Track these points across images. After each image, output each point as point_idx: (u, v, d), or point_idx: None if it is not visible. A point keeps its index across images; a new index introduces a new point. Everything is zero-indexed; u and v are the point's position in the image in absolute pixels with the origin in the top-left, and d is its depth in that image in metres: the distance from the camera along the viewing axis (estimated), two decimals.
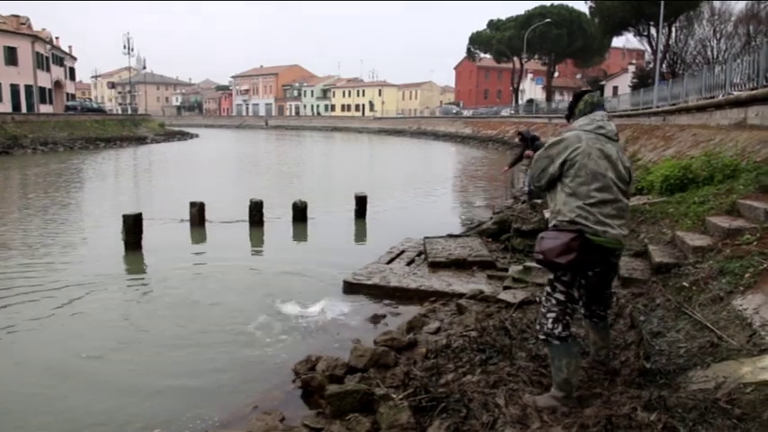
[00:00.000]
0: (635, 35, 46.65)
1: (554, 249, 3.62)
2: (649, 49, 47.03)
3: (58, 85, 63.36)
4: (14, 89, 53.21)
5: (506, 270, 7.86)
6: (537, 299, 5.95)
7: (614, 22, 44.90)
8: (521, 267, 7.25)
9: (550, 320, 3.76)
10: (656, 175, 9.46)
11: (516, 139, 11.96)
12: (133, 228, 10.44)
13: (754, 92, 12.64)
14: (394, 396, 4.12)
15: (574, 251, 3.57)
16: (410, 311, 7.01)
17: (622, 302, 5.58)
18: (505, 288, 6.89)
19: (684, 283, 5.49)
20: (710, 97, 17.43)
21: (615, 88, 60.98)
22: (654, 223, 7.88)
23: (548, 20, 61.63)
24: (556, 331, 3.72)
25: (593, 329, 4.27)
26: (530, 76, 79.24)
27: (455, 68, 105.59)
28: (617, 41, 60.59)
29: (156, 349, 6.22)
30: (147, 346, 6.29)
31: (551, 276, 3.86)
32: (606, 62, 74.55)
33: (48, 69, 59.74)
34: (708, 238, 6.41)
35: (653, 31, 43.09)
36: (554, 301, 3.80)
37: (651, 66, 46.98)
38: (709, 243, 6.16)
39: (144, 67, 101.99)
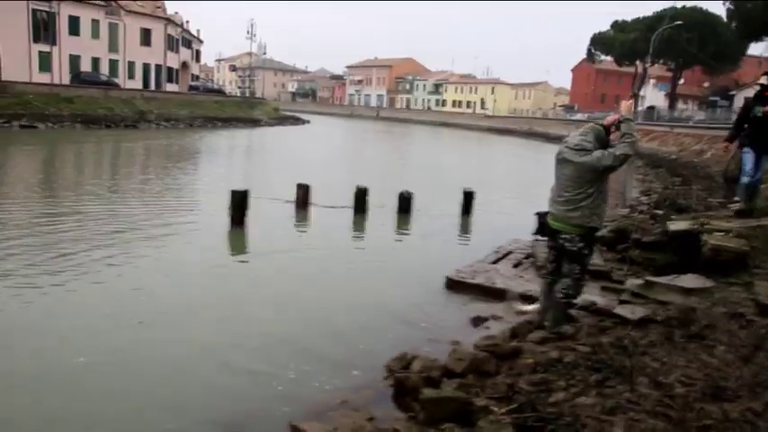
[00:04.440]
0: None
1: None
2: None
3: (184, 65, 66.92)
4: (146, 68, 56.93)
5: (622, 283, 7.22)
6: (659, 318, 5.36)
7: (754, 25, 41.44)
8: (641, 281, 6.60)
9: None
10: None
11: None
12: (240, 204, 10.58)
13: None
14: (495, 409, 3.74)
15: None
16: (515, 317, 6.57)
17: (762, 333, 4.88)
18: (622, 302, 6.29)
19: None
20: None
21: (747, 99, 56.58)
22: None
23: (678, 22, 57.76)
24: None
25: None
26: (652, 81, 75.13)
27: (572, 70, 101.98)
28: (754, 49, 56.16)
29: (250, 332, 6.15)
30: (240, 329, 6.22)
31: None
32: (739, 71, 69.23)
33: (177, 51, 63.29)
34: None
35: None
36: None
37: None
38: None
39: (264, 53, 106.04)
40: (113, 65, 53.03)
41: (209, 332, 6.02)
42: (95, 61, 51.09)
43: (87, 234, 9.85)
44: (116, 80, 50.20)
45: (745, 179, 8.47)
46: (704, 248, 6.96)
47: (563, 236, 5.36)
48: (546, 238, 5.81)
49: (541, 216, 5.70)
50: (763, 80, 8.59)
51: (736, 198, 9.56)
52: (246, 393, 4.80)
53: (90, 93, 41.15)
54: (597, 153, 5.14)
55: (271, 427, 4.28)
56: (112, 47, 52.90)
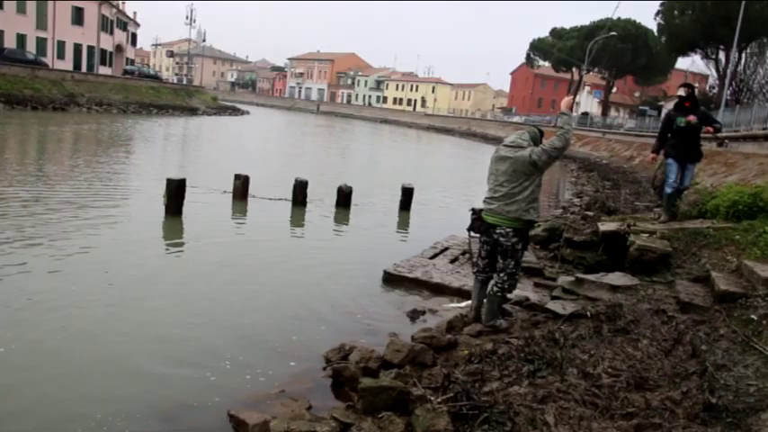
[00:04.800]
0: (702, 58, 45.10)
1: None
2: (715, 74, 45.39)
3: (119, 48, 64.56)
4: (77, 48, 54.45)
5: (554, 279, 7.49)
6: (588, 313, 5.59)
7: (682, 41, 43.43)
8: (572, 278, 6.86)
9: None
10: (721, 200, 8.90)
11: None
12: (176, 193, 10.34)
13: None
14: (432, 399, 3.82)
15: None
16: (451, 310, 6.70)
17: (682, 328, 5.17)
18: (553, 298, 6.52)
19: (753, 316, 5.06)
20: None
21: (669, 112, 59.11)
22: (717, 249, 7.40)
23: (613, 33, 59.90)
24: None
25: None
26: (587, 88, 77.58)
27: (511, 73, 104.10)
28: (681, 63, 58.77)
29: (186, 321, 6.05)
30: (175, 317, 6.11)
31: None
32: (667, 83, 72.35)
33: (111, 32, 60.93)
34: None
35: (722, 55, 41.59)
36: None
37: (715, 91, 45.35)
38: None
39: (203, 41, 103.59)
40: (41, 43, 50.23)
41: (141, 323, 5.86)
42: (21, 38, 48.20)
43: (8, 220, 9.40)
44: (44, 60, 47.69)
45: (668, 189, 8.84)
46: (631, 248, 7.30)
47: (498, 230, 5.53)
48: (479, 235, 5.91)
49: (475, 212, 5.84)
50: (681, 92, 8.98)
51: (655, 209, 10.10)
52: (182, 384, 4.70)
53: (14, 71, 38.71)
54: (530, 149, 5.46)
55: (209, 416, 4.22)
56: (40, 24, 50.10)
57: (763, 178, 12.84)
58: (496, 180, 5.57)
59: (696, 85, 59.61)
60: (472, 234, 6.06)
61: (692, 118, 8.54)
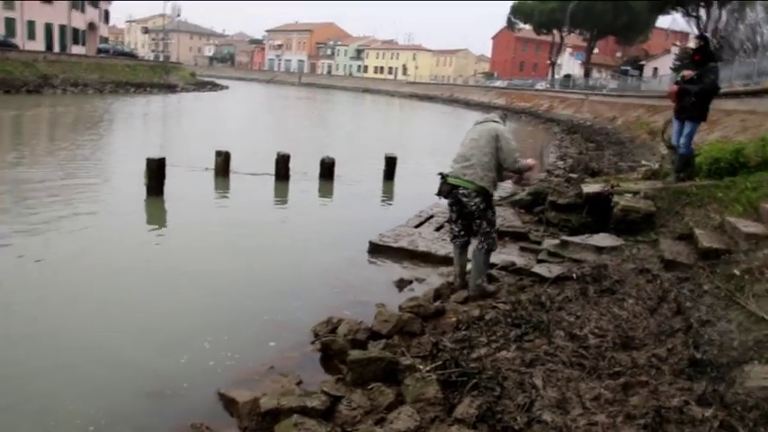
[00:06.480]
0: (683, 15, 44.97)
1: None
2: (696, 31, 45.32)
3: (91, 26, 63.02)
4: (48, 28, 53.03)
5: (540, 243, 7.51)
6: (574, 275, 5.61)
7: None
8: (557, 241, 6.88)
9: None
10: (704, 158, 8.93)
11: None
12: (156, 172, 10.20)
13: None
14: (421, 367, 3.84)
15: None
16: (437, 278, 6.71)
17: (666, 286, 5.20)
18: (539, 261, 6.55)
19: (735, 271, 5.10)
20: (756, 83, 16.68)
21: (655, 69, 59.23)
22: (700, 207, 7.44)
23: None
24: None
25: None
26: (568, 50, 77.25)
27: (493, 38, 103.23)
28: (662, 21, 58.68)
29: (170, 303, 6.01)
30: (159, 299, 6.06)
31: None
32: (648, 42, 72.24)
33: (82, 10, 59.36)
34: (762, 225, 5.98)
35: (702, 12, 41.44)
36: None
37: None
38: (764, 231, 5.74)
39: (178, 15, 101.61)
40: (9, 23, 48.60)
41: (123, 307, 5.79)
42: None
43: None
44: (13, 41, 46.36)
45: (681, 150, 8.51)
46: (615, 209, 7.33)
47: (461, 191, 5.69)
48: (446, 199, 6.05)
49: (442, 176, 5.96)
50: (692, 44, 8.69)
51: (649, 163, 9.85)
52: (170, 367, 4.63)
53: None
54: (502, 126, 5.89)
55: (199, 398, 4.18)
56: (7, 3, 48.72)
57: (744, 135, 12.89)
58: (463, 146, 5.87)
59: (677, 43, 59.67)
60: (442, 199, 6.17)
61: (687, 73, 8.32)
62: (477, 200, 5.67)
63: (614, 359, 3.74)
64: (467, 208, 5.74)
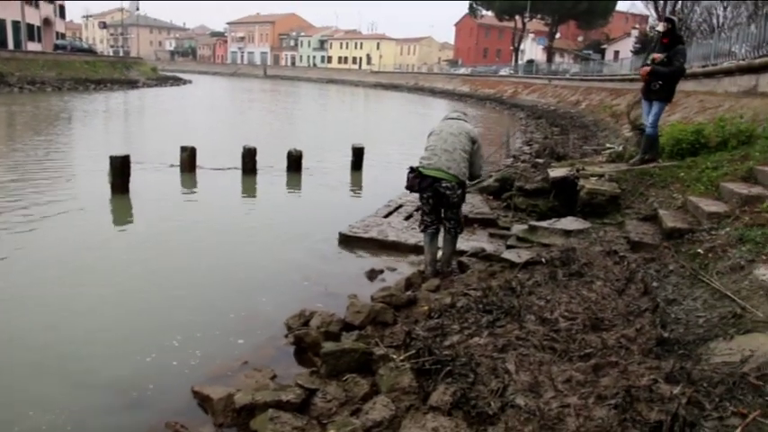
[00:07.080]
0: None
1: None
2: (654, 15, 46.01)
3: (47, 22, 61.31)
4: (0, 24, 51.45)
5: (508, 229, 7.58)
6: (543, 259, 5.68)
7: None
8: (525, 227, 6.95)
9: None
10: (665, 139, 9.11)
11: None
12: (120, 170, 10.01)
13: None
14: (395, 357, 3.85)
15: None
16: (408, 267, 6.73)
17: (633, 267, 5.30)
18: (509, 247, 6.61)
19: (699, 250, 5.23)
20: (714, 65, 17.01)
21: (617, 53, 60.01)
22: (663, 187, 7.59)
23: None
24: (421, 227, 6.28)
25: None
26: (531, 36, 77.80)
27: (455, 25, 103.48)
28: (621, 5, 59.47)
29: (141, 299, 5.92)
30: (127, 298, 5.94)
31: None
32: (609, 26, 73.20)
33: (36, 6, 57.72)
34: (723, 204, 6.13)
35: None
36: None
37: (655, 30, 46.05)
38: (725, 209, 5.89)
39: (137, 9, 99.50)
40: None
41: (89, 308, 5.67)
42: None
43: None
44: None
45: (647, 129, 8.65)
46: (581, 193, 7.43)
47: (444, 184, 5.87)
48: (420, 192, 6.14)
49: (413, 170, 6.03)
50: (659, 27, 8.82)
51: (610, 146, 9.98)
52: (141, 368, 4.55)
53: None
54: (481, 155, 6.32)
55: (173, 397, 4.12)
56: None
57: (703, 115, 13.16)
58: (440, 138, 6.02)
59: (637, 26, 60.43)
60: (411, 192, 6.46)
61: (657, 56, 8.36)
62: (459, 192, 5.97)
63: (584, 341, 3.79)
64: (449, 199, 5.95)
